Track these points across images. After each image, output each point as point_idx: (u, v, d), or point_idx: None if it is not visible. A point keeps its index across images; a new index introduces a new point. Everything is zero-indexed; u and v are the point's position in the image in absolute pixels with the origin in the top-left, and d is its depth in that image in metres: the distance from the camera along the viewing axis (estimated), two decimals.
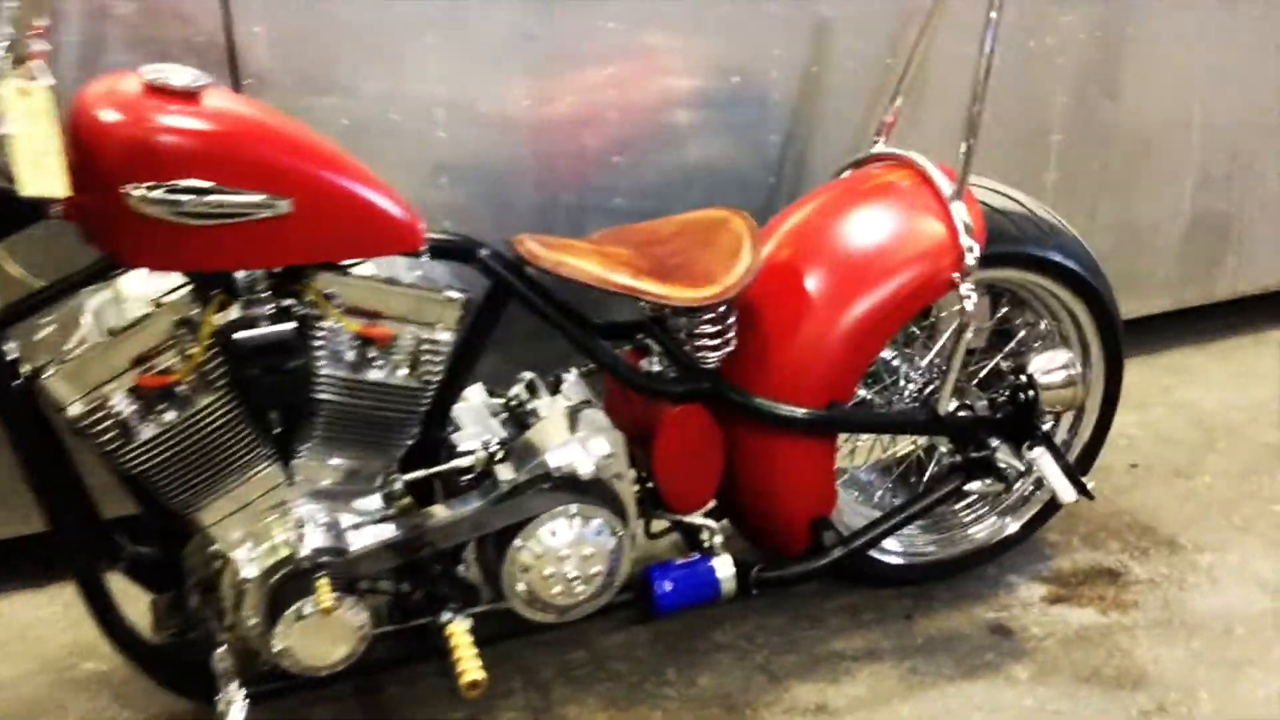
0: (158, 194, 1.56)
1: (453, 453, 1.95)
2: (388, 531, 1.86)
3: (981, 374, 2.29)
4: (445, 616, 1.85)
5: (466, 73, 2.37)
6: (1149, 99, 3.00)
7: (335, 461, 1.85)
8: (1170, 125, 3.05)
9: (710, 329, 1.98)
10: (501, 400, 2.05)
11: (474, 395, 2.05)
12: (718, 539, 2.08)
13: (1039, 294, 2.22)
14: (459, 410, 2.03)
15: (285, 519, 1.81)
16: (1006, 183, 2.28)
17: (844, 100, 2.65)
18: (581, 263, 1.90)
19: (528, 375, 2.08)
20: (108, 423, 1.65)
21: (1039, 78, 2.86)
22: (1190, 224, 3.18)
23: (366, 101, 2.31)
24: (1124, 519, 2.55)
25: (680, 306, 1.92)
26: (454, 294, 1.85)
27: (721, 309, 1.97)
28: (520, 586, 1.91)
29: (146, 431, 1.68)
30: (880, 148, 2.25)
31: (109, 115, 1.56)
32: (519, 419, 2.03)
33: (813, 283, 2.02)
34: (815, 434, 2.03)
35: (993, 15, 1.94)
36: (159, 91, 1.60)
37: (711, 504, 2.12)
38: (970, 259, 1.97)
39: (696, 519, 2.08)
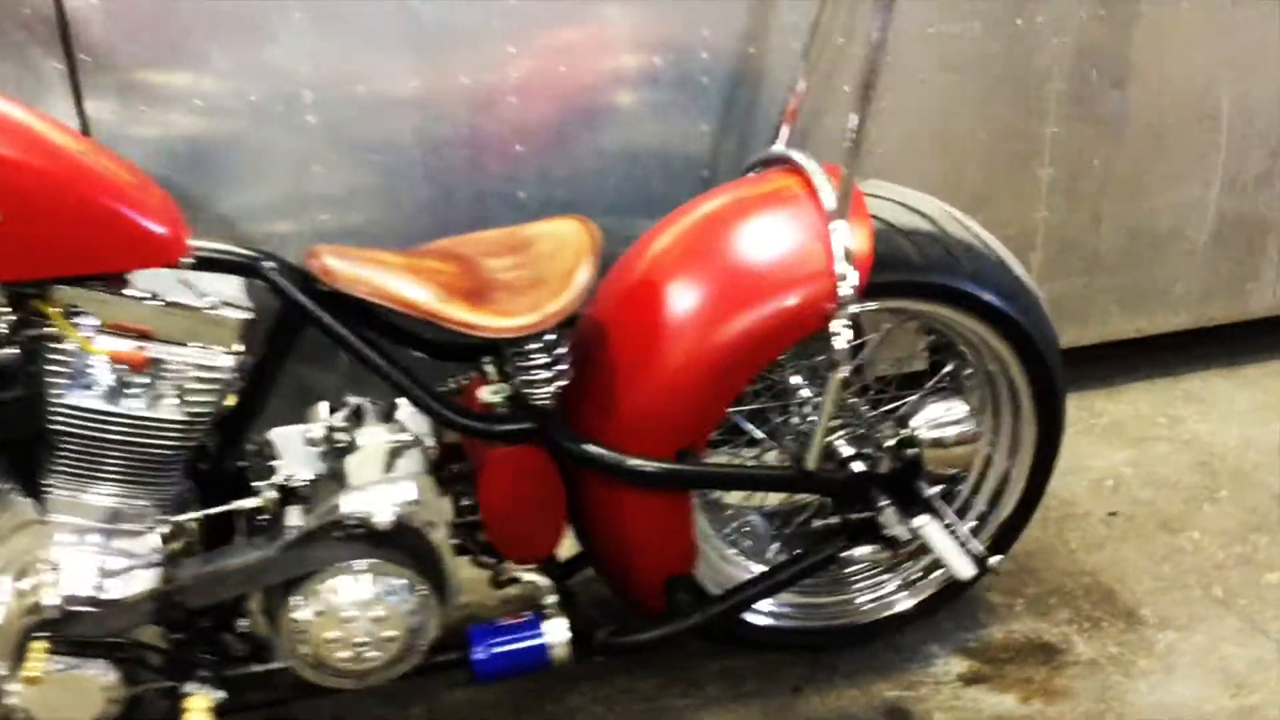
0: None
1: (246, 490, 1.70)
2: (148, 580, 1.62)
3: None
4: (188, 686, 1.62)
5: (339, 49, 2.11)
6: (1165, 87, 2.59)
7: (93, 499, 1.62)
8: (1192, 118, 2.63)
9: (537, 361, 1.69)
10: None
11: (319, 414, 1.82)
12: (550, 599, 1.80)
13: (962, 331, 1.87)
14: (278, 437, 1.79)
15: (40, 560, 1.59)
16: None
17: (784, 86, 2.31)
18: (387, 280, 1.64)
19: (355, 401, 1.82)
20: None
21: (1029, 61, 2.48)
22: (1217, 231, 2.76)
23: (222, 80, 2.08)
24: (1084, 580, 2.20)
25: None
26: (232, 313, 1.60)
27: (548, 339, 1.67)
28: (302, 649, 1.66)
29: None
30: (779, 147, 1.92)
31: None
32: (338, 452, 1.78)
33: (665, 312, 1.72)
34: (657, 488, 1.73)
35: None
36: None
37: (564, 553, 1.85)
38: (844, 289, 1.64)
39: (525, 574, 1.80)
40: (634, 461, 1.69)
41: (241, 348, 1.63)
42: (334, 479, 1.75)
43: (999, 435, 1.97)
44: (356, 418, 1.83)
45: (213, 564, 1.65)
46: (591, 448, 1.69)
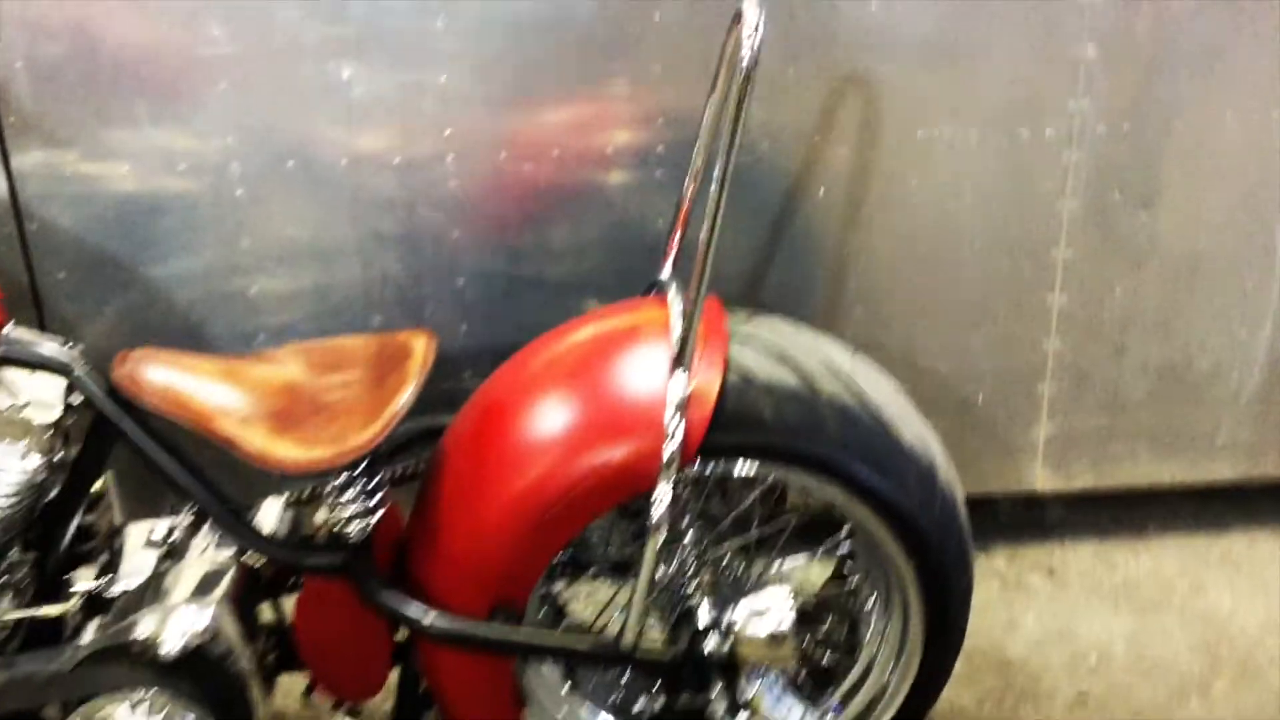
0: None
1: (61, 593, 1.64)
2: None
3: None
4: None
5: (266, 122, 2.04)
6: (1203, 212, 2.28)
7: None
8: (1237, 248, 2.30)
9: (342, 495, 1.57)
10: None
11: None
12: None
13: (844, 506, 1.65)
14: (131, 532, 1.73)
15: None
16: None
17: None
18: (193, 395, 1.55)
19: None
20: None
21: (1036, 175, 2.21)
22: (1270, 374, 2.41)
23: (148, 148, 2.04)
24: None
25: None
26: (38, 415, 1.54)
27: (349, 475, 1.55)
28: None
29: None
30: (667, 272, 1.74)
31: None
32: (173, 556, 1.71)
33: (493, 451, 1.58)
34: (456, 647, 1.58)
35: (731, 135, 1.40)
36: None
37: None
38: (668, 450, 1.45)
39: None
40: (429, 617, 1.54)
41: (42, 452, 1.56)
42: (155, 589, 1.66)
43: (883, 639, 1.73)
44: (200, 519, 1.74)
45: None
46: (387, 595, 1.55)
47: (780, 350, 1.60)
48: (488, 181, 2.13)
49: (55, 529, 1.65)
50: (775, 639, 1.58)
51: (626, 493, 1.52)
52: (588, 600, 1.96)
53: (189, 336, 2.18)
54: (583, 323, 1.68)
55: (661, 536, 1.47)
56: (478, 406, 1.64)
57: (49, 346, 1.58)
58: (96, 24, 1.96)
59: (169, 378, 1.56)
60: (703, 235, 1.44)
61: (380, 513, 1.59)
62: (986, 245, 2.24)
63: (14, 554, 1.63)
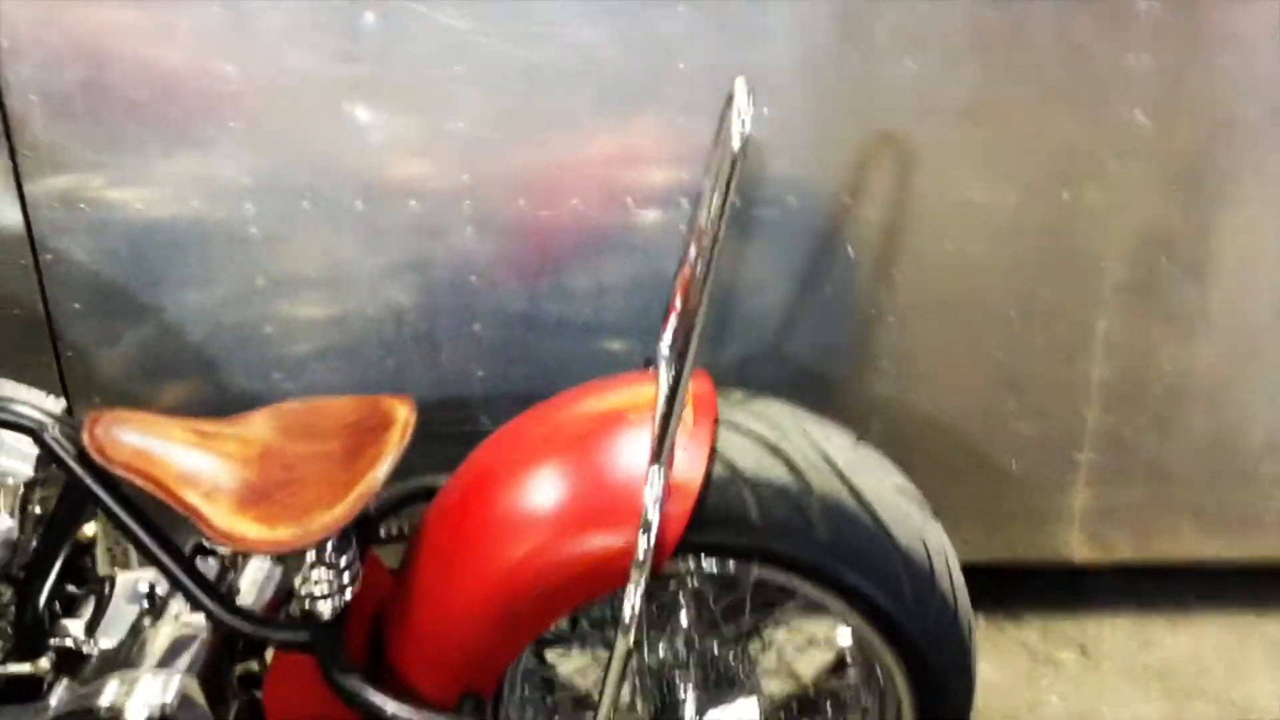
0: None
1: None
2: None
3: None
4: None
5: (280, 163, 2.00)
6: (1261, 285, 2.14)
7: None
8: None
9: (313, 574, 1.52)
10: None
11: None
12: None
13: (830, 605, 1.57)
14: (121, 582, 1.71)
15: None
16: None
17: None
18: (159, 463, 1.51)
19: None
20: None
21: (1078, 241, 2.10)
22: None
23: (162, 185, 2.02)
24: None
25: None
26: (11, 472, 1.52)
27: (315, 555, 1.50)
28: None
29: None
30: (665, 345, 1.66)
31: None
32: (155, 614, 1.69)
33: (469, 532, 1.52)
34: None
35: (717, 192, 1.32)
36: None
37: None
38: (641, 549, 1.38)
39: None
40: (389, 707, 1.49)
41: (13, 511, 1.55)
42: (132, 647, 1.64)
43: None
44: None
45: None
46: (348, 679, 1.51)
47: (773, 439, 1.52)
48: (505, 226, 2.07)
49: (34, 583, 1.62)
50: None
51: (599, 588, 1.45)
52: (580, 665, 1.89)
53: (203, 371, 2.17)
54: (575, 397, 1.61)
55: (630, 639, 1.40)
56: (462, 478, 1.59)
57: (22, 406, 1.54)
58: (110, 59, 1.94)
59: (137, 442, 1.52)
60: (684, 320, 1.35)
61: (350, 591, 1.54)
62: (1023, 310, 2.13)
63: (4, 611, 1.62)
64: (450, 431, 1.97)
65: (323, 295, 2.10)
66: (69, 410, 1.64)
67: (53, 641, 1.63)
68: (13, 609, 1.63)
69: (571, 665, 1.90)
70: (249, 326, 2.13)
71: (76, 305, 2.13)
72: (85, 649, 1.64)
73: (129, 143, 1.99)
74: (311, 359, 2.16)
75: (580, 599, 1.48)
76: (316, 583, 1.53)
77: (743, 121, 1.30)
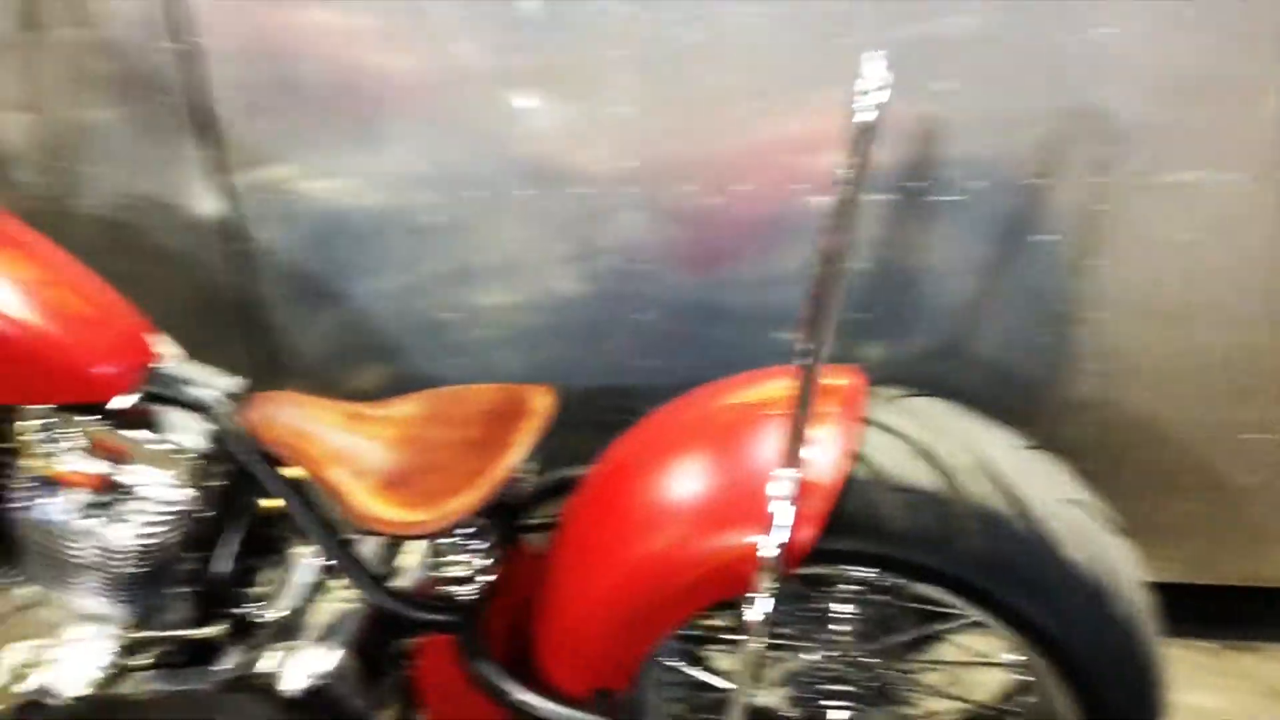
0: None
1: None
2: (83, 687, 1.68)
3: None
4: None
5: (451, 150, 2.03)
6: None
7: (64, 600, 1.70)
8: None
9: (449, 556, 1.53)
10: None
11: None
12: None
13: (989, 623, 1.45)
14: (299, 554, 1.79)
15: (21, 649, 1.71)
16: None
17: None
18: (310, 443, 1.56)
19: None
20: None
21: None
22: None
23: (345, 176, 2.09)
24: None
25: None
26: (187, 450, 1.60)
27: (447, 541, 1.51)
28: None
29: None
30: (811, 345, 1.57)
31: None
32: (326, 589, 1.75)
33: (601, 527, 1.49)
34: None
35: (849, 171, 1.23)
36: None
37: None
38: (765, 551, 1.31)
39: None
40: (517, 693, 1.48)
41: (190, 484, 1.62)
42: (299, 620, 1.70)
43: None
44: None
45: (121, 689, 1.66)
46: (482, 664, 1.50)
47: (925, 442, 1.41)
48: (671, 213, 2.02)
49: (213, 553, 1.69)
50: None
51: (729, 590, 1.38)
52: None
53: (386, 355, 2.22)
54: (719, 391, 1.55)
55: (760, 644, 1.33)
56: (601, 470, 1.56)
57: (198, 388, 1.61)
58: (299, 58, 2.00)
59: (293, 422, 1.57)
60: (817, 314, 1.26)
61: (486, 577, 1.54)
62: (1253, 308, 1.91)
63: (178, 576, 1.70)
64: (617, 420, 1.94)
65: (495, 283, 2.12)
66: (253, 390, 1.69)
67: (230, 609, 1.69)
68: (194, 577, 1.70)
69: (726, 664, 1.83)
70: (427, 313, 2.17)
71: (273, 291, 2.22)
72: (258, 618, 1.70)
73: (316, 137, 2.05)
74: (485, 345, 2.18)
75: (711, 599, 1.42)
76: (451, 567, 1.53)
77: (872, 101, 1.20)
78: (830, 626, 1.59)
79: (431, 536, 1.52)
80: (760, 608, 1.32)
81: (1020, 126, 1.84)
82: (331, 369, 2.28)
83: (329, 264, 2.17)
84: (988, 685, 1.64)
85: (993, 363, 2.01)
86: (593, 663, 1.49)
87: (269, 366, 2.30)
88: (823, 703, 1.54)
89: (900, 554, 1.36)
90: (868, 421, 1.43)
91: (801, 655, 1.58)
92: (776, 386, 1.50)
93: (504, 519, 1.71)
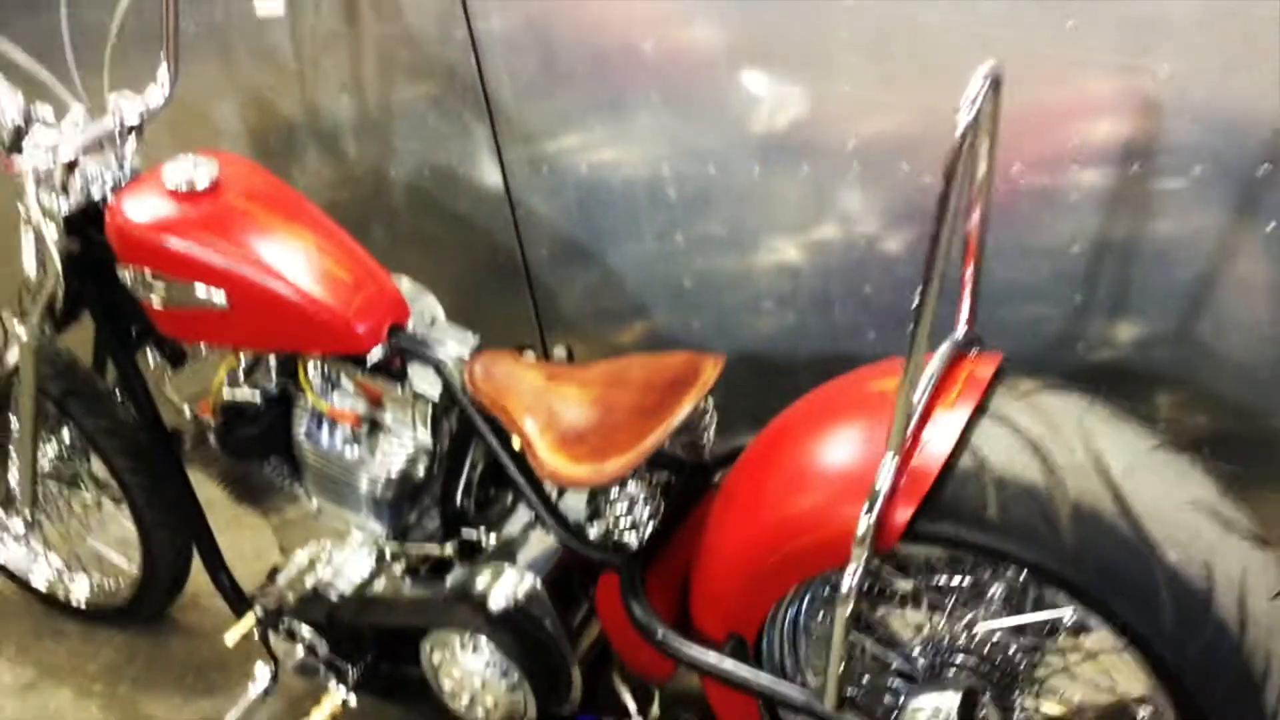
0: (129, 277, 1.92)
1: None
2: (340, 591, 2.06)
3: None
4: (331, 683, 2.03)
5: (690, 130, 2.23)
6: None
7: (334, 513, 2.09)
8: None
9: (614, 508, 1.76)
10: None
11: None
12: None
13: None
14: None
15: (311, 549, 2.12)
16: None
17: None
18: (510, 397, 1.82)
19: None
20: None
21: None
22: None
23: (601, 150, 2.33)
24: None
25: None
26: (421, 399, 1.92)
27: (607, 494, 1.73)
28: (441, 683, 1.99)
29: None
30: (961, 331, 1.65)
31: (121, 202, 1.93)
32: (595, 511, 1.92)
33: (745, 488, 1.66)
34: (678, 664, 1.70)
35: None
36: (167, 191, 1.93)
37: None
38: (861, 528, 1.44)
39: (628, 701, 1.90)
40: (658, 632, 1.68)
41: (427, 425, 1.93)
42: (513, 548, 1.99)
43: None
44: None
45: (376, 590, 2.01)
46: (634, 603, 1.71)
47: (1038, 436, 1.45)
48: (892, 189, 2.09)
49: (450, 484, 2.01)
50: None
51: (833, 561, 1.50)
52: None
53: (636, 314, 2.46)
54: (874, 373, 1.65)
55: (848, 610, 1.45)
56: (756, 441, 1.70)
57: (433, 346, 1.88)
58: (558, 43, 2.23)
59: (500, 379, 1.82)
60: (917, 301, 1.35)
61: (647, 528, 1.74)
62: None
63: (424, 501, 2.03)
64: None
65: (729, 252, 2.28)
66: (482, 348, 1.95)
67: (463, 533, 2.00)
68: (437, 503, 2.02)
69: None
70: (671, 279, 2.37)
71: (544, 253, 2.50)
72: (483, 542, 1.99)
73: (573, 114, 2.29)
74: (721, 310, 2.35)
75: (820, 567, 1.54)
76: (615, 516, 1.74)
77: (975, 109, 1.27)
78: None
79: (594, 488, 1.73)
80: (851, 579, 1.43)
81: (1244, 109, 1.76)
82: (593, 324, 2.54)
83: (588, 231, 2.41)
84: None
85: (1212, 348, 1.95)
86: (726, 608, 1.66)
87: (545, 319, 2.59)
88: (949, 673, 1.63)
89: (996, 544, 1.42)
90: (986, 411, 1.49)
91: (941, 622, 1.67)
92: (932, 372, 1.57)
93: (694, 475, 1.89)
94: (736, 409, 2.34)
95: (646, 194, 2.30)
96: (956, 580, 1.68)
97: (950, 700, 1.48)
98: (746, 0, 2.00)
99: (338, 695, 2.08)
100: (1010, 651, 1.64)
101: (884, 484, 1.41)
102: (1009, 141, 1.84)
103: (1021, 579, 1.51)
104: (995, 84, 1.34)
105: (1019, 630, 1.62)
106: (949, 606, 1.64)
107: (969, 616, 1.65)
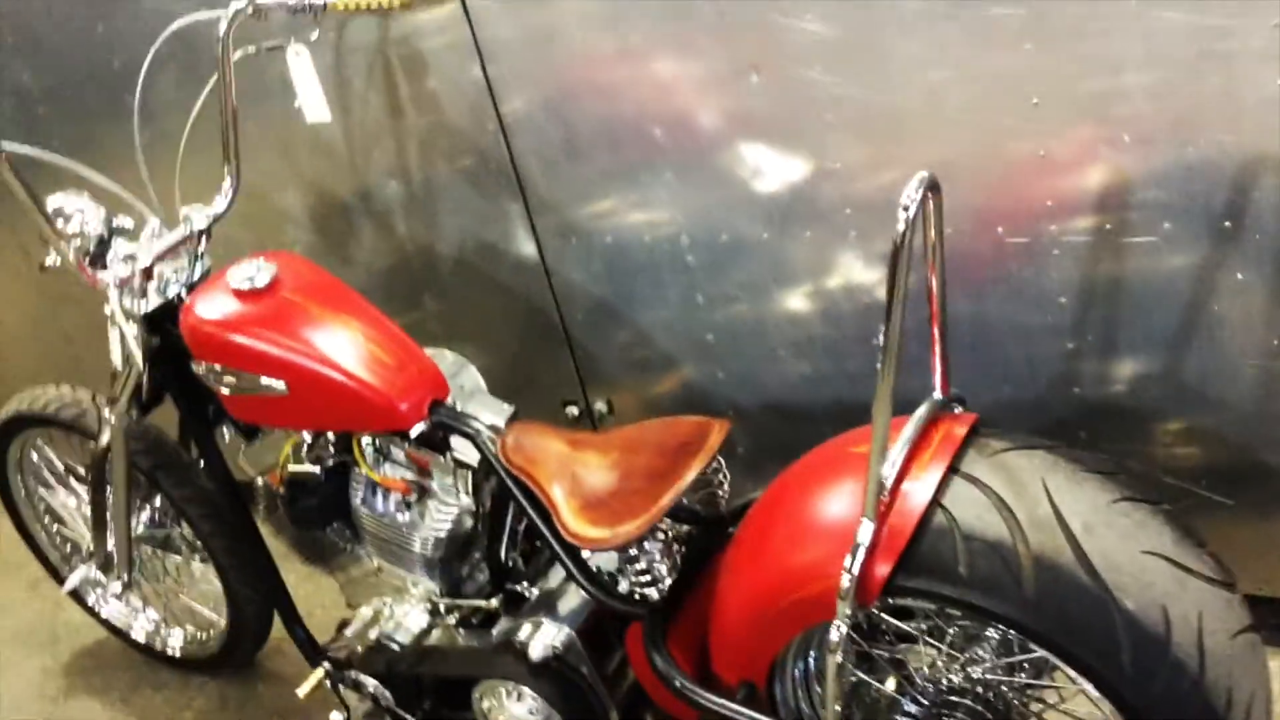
0: (201, 370, 2.16)
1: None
2: (399, 643, 2.27)
3: None
4: None
5: (703, 202, 2.41)
6: None
7: (395, 572, 2.30)
8: None
9: (632, 566, 1.94)
10: None
11: None
12: None
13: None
14: None
15: (374, 605, 2.34)
16: None
17: None
18: (544, 462, 2.00)
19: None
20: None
21: None
22: None
23: (623, 221, 2.51)
24: None
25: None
26: (459, 461, 2.12)
27: (624, 555, 1.91)
28: None
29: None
30: (937, 392, 1.80)
31: (193, 303, 2.17)
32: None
33: (751, 544, 1.82)
34: (692, 709, 1.87)
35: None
36: (232, 290, 2.16)
37: None
38: (843, 584, 1.60)
39: None
40: (676, 680, 1.85)
41: (468, 490, 2.13)
42: (552, 601, 2.18)
43: None
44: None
45: (432, 642, 2.21)
46: (655, 654, 1.88)
47: (1004, 494, 1.60)
48: (887, 249, 2.23)
49: (493, 544, 2.20)
50: None
51: (823, 615, 1.66)
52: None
53: (666, 370, 2.63)
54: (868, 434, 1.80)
55: (837, 658, 1.61)
56: (764, 497, 1.86)
57: (471, 418, 2.08)
58: (576, 125, 2.42)
59: (529, 447, 2.00)
60: (883, 367, 1.49)
61: (664, 584, 1.91)
62: None
63: (474, 559, 2.23)
64: None
65: (746, 313, 2.44)
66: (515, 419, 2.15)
67: (506, 587, 2.19)
68: (485, 561, 2.22)
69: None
70: (694, 334, 2.55)
71: (580, 316, 2.69)
72: (526, 595, 2.18)
73: (595, 189, 2.48)
74: (743, 361, 2.52)
75: (812, 619, 1.70)
76: (636, 571, 1.92)
77: (909, 216, 1.43)
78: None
79: (611, 550, 1.91)
80: (838, 632, 1.59)
81: (1203, 170, 1.88)
82: (629, 379, 2.72)
83: (618, 294, 2.60)
84: None
85: (1190, 410, 2.08)
86: (736, 656, 1.82)
87: (585, 376, 2.79)
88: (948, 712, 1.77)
89: (965, 597, 1.57)
90: (957, 472, 1.64)
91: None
92: (909, 435, 1.72)
93: (711, 528, 2.06)
94: (764, 453, 2.52)
95: (667, 258, 2.47)
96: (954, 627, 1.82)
97: None
98: (742, 87, 2.16)
99: None
100: (1005, 690, 1.77)
101: (863, 542, 1.57)
102: (990, 206, 1.99)
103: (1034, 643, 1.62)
104: (933, 186, 1.48)
105: (1012, 670, 1.76)
106: (944, 651, 1.78)
107: (965, 659, 1.79)
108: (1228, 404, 2.06)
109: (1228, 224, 1.90)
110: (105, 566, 2.74)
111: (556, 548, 1.96)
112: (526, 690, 2.08)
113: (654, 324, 2.58)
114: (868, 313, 2.31)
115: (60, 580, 2.96)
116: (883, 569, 1.58)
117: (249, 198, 2.75)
